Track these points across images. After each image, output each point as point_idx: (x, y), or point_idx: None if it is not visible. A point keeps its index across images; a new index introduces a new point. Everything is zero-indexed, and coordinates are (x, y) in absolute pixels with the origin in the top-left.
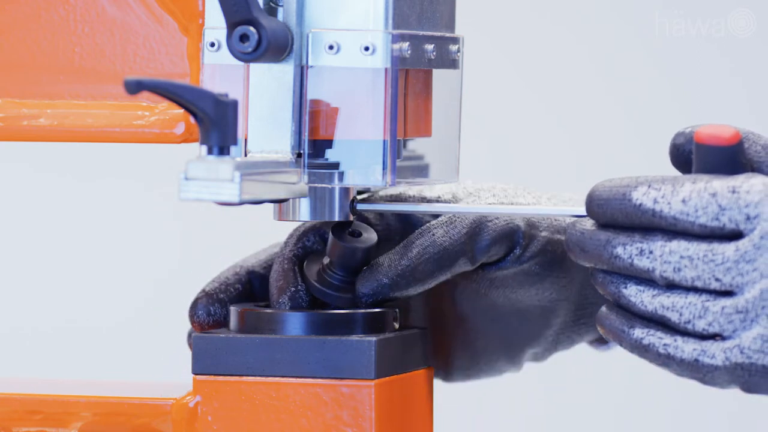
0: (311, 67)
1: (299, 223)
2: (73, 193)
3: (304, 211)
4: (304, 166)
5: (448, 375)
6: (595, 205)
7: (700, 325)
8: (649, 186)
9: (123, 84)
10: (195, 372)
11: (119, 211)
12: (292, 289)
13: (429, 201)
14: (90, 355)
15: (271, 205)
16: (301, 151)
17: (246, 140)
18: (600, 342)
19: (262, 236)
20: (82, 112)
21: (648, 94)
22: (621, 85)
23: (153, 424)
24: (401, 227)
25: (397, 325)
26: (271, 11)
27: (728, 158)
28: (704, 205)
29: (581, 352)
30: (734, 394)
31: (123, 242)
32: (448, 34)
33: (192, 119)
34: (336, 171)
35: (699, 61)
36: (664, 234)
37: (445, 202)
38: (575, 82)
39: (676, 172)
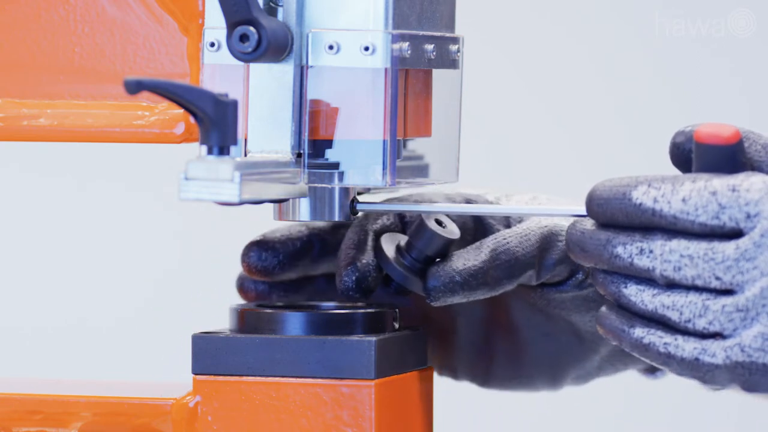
0: (311, 67)
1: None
2: (73, 193)
3: (304, 211)
4: (304, 166)
5: (485, 381)
6: (595, 204)
7: (701, 324)
8: (649, 185)
9: (123, 84)
10: (195, 372)
11: (119, 211)
12: (363, 261)
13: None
14: (90, 355)
15: (271, 205)
16: (301, 151)
17: (246, 140)
18: (649, 371)
19: None
20: (82, 112)
21: (648, 94)
22: (621, 85)
23: (153, 424)
24: (473, 227)
25: (396, 325)
26: (271, 11)
27: (728, 157)
28: (704, 204)
29: None
30: (733, 397)
31: (123, 242)
32: (448, 34)
33: (192, 119)
34: (336, 171)
35: (699, 61)
36: (665, 233)
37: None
38: (575, 82)
39: (676, 172)
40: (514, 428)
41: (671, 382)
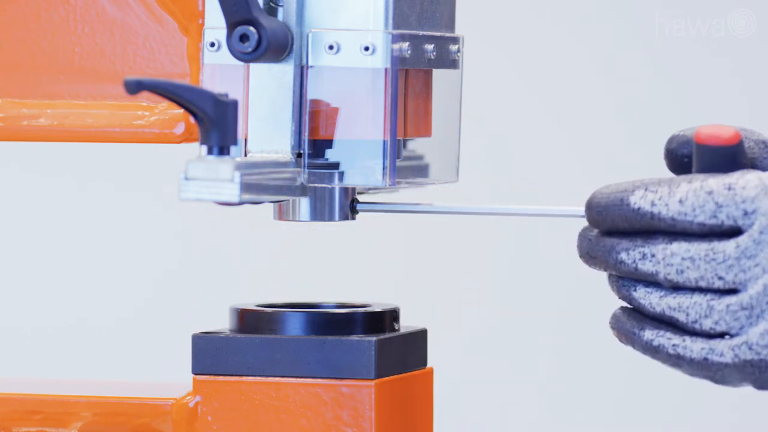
0: (311, 67)
1: (300, 223)
2: (73, 193)
3: (304, 211)
4: (304, 166)
5: None
6: (594, 212)
7: (707, 324)
8: (646, 189)
9: (123, 84)
10: (195, 372)
11: (119, 211)
12: None
13: None
14: (90, 355)
15: (271, 205)
16: (301, 151)
17: (246, 140)
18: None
19: (262, 236)
20: (82, 112)
21: (648, 94)
22: (621, 85)
23: (153, 424)
24: None
25: (397, 325)
26: (271, 11)
27: (729, 158)
28: (701, 204)
29: (581, 353)
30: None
31: (123, 242)
32: (448, 34)
33: (192, 119)
34: (336, 171)
35: (699, 61)
36: (666, 236)
37: None
38: (575, 82)
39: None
40: (514, 428)
41: (672, 381)
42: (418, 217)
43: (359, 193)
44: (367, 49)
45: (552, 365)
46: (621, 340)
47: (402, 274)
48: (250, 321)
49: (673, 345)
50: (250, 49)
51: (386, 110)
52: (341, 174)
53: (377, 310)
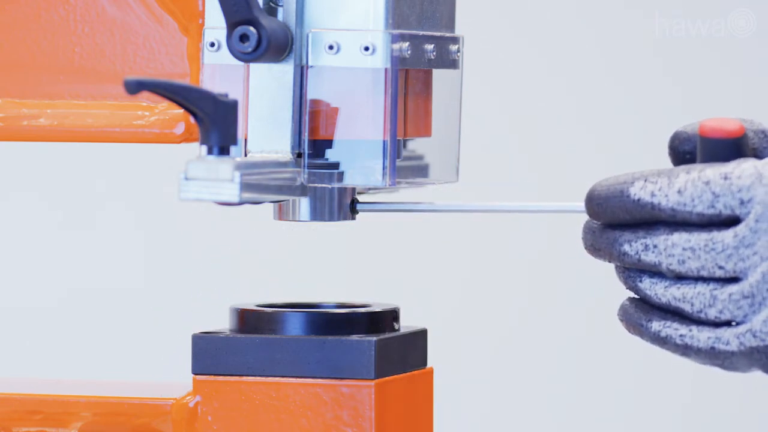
0: (311, 67)
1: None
2: (73, 193)
3: (304, 211)
4: (304, 166)
5: None
6: (594, 204)
7: (712, 314)
8: (646, 180)
9: (123, 84)
10: (195, 372)
11: (119, 211)
12: None
13: None
14: (90, 355)
15: (271, 205)
16: (301, 151)
17: (246, 140)
18: None
19: (262, 236)
20: (82, 112)
21: (647, 94)
22: (621, 85)
23: (153, 424)
24: None
25: (397, 325)
26: (271, 11)
27: (733, 150)
28: (699, 194)
29: (581, 353)
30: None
31: (123, 242)
32: (448, 34)
33: (192, 119)
34: (336, 171)
35: (699, 61)
36: (667, 226)
37: None
38: (575, 83)
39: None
40: (514, 428)
41: (673, 381)
42: (418, 217)
43: (359, 193)
44: (367, 49)
45: (552, 365)
46: (630, 331)
47: (402, 274)
48: (250, 321)
49: (681, 335)
50: (250, 49)
51: (386, 110)
52: (341, 174)
53: (377, 310)
